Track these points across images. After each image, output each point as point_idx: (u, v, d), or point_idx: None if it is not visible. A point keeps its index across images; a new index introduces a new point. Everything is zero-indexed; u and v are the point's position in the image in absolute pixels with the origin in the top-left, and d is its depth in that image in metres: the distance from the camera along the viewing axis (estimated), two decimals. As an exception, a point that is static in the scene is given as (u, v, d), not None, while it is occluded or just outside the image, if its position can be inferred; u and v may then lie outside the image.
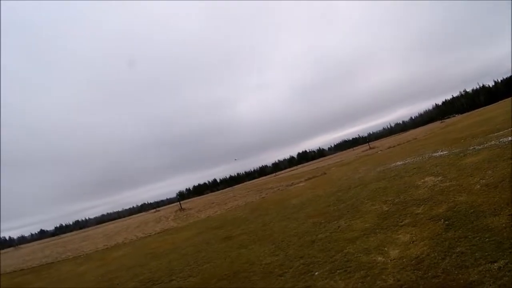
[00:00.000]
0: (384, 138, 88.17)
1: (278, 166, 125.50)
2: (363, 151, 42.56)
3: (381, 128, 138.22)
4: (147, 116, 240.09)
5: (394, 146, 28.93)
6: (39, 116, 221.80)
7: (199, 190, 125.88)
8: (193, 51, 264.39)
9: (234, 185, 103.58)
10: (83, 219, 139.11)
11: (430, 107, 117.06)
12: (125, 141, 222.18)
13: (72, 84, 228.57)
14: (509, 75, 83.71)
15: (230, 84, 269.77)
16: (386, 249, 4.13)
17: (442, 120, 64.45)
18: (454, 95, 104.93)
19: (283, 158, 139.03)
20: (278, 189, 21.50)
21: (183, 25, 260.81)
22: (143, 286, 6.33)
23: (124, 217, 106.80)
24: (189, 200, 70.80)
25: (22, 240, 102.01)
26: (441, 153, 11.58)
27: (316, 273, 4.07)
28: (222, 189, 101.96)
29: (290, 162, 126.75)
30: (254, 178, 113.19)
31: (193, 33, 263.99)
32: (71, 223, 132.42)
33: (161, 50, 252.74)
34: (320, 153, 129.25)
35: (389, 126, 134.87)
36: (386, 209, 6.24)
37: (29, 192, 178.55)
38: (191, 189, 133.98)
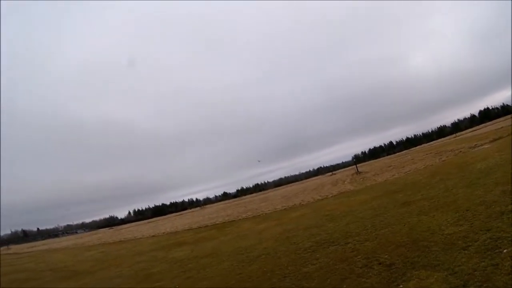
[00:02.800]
0: None
1: (458, 126, 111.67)
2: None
3: None
4: (320, 83, 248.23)
5: None
6: (229, 94, 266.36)
7: (375, 153, 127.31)
8: (353, 10, 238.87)
9: (411, 147, 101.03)
10: (263, 182, 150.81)
11: None
12: (301, 108, 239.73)
13: (253, 62, 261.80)
14: None
15: (398, 39, 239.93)
16: None
17: None
18: None
19: (463, 117, 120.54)
20: (460, 151, 19.91)
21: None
22: (319, 247, 6.51)
23: (301, 180, 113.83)
24: (365, 163, 71.20)
25: (207, 201, 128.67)
26: None
27: (505, 251, 3.78)
28: (399, 151, 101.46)
29: (472, 121, 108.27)
30: (432, 139, 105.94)
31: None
32: (251, 186, 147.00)
33: (319, 13, 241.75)
34: (504, 110, 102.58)
35: None
36: None
37: (214, 160, 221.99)
38: (366, 152, 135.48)
